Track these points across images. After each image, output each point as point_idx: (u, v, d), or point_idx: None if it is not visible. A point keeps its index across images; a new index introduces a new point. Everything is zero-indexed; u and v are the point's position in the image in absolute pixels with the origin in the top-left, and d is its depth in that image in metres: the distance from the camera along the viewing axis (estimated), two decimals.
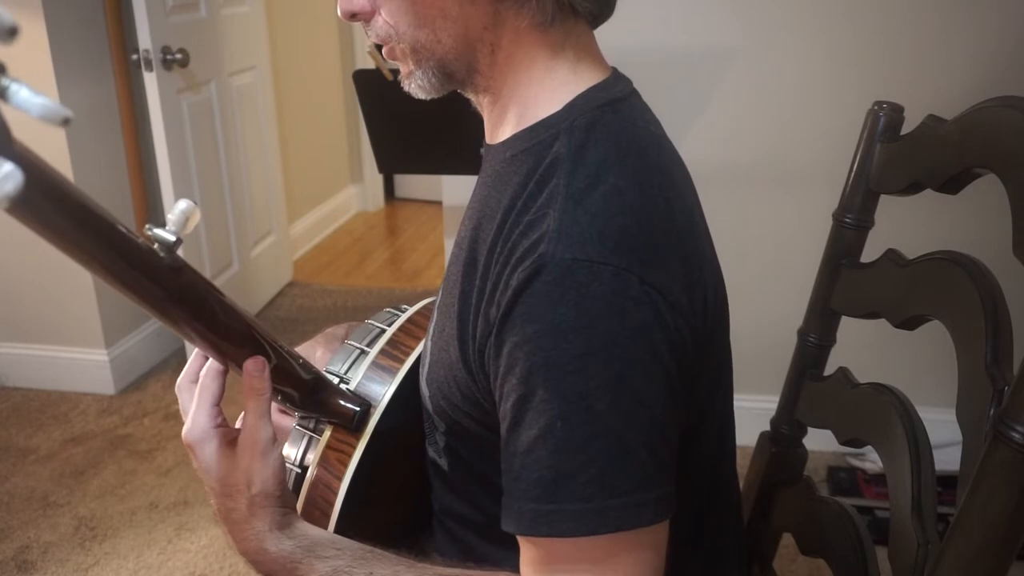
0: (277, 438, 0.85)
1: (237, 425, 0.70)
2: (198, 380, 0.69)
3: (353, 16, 0.67)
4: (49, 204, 0.46)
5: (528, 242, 0.59)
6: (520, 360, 0.58)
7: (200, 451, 0.67)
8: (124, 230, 0.52)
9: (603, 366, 0.56)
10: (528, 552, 0.61)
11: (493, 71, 0.67)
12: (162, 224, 0.55)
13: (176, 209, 0.56)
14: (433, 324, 0.75)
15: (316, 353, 0.87)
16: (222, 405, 0.69)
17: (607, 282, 0.56)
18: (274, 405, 0.84)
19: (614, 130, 0.65)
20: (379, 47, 0.70)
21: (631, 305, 0.56)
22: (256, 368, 0.66)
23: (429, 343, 0.75)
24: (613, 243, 0.57)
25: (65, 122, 0.39)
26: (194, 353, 0.70)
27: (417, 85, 0.69)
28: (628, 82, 0.71)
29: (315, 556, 0.64)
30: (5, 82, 0.38)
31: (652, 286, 0.57)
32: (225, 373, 0.68)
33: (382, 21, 0.66)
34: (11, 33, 0.36)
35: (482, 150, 0.75)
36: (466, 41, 0.65)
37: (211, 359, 0.67)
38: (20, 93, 0.38)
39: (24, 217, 0.45)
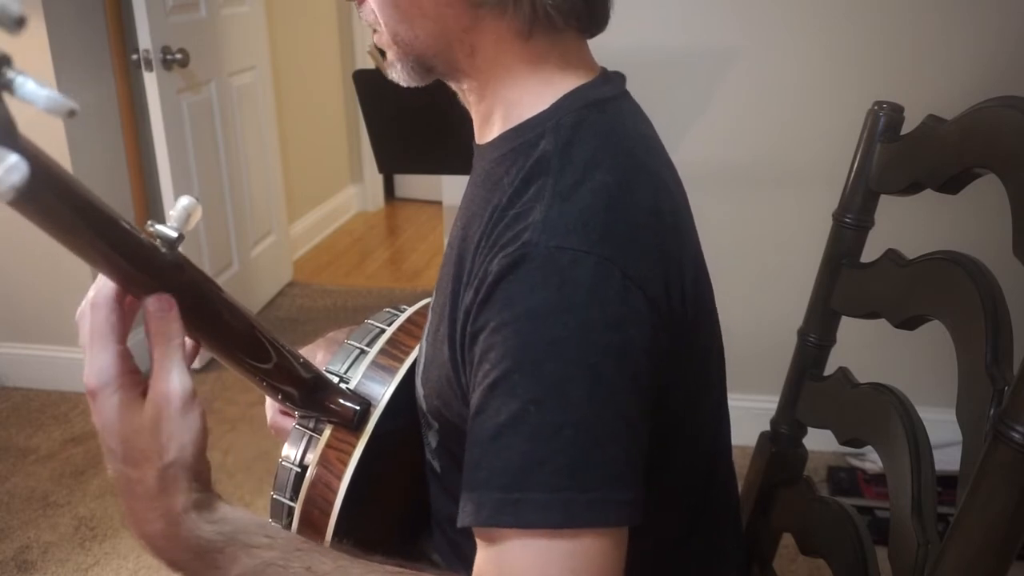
0: (273, 424, 0.84)
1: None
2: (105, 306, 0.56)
3: None
4: (52, 197, 0.46)
5: (511, 233, 0.59)
6: (496, 345, 0.57)
7: (102, 401, 0.55)
8: (127, 225, 0.52)
9: (581, 353, 0.55)
10: (487, 547, 0.57)
11: (474, 71, 0.68)
12: (163, 222, 0.55)
13: (178, 205, 0.56)
14: (428, 325, 0.75)
15: (317, 356, 0.86)
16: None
17: (590, 271, 0.56)
18: (274, 405, 0.85)
19: (601, 129, 0.65)
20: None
21: (612, 296, 0.56)
22: (160, 307, 0.55)
23: (424, 344, 0.75)
24: (598, 235, 0.57)
25: (71, 114, 0.39)
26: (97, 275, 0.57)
27: (397, 74, 0.70)
28: (618, 84, 0.71)
29: (240, 546, 0.56)
30: (11, 75, 0.38)
31: (633, 280, 0.57)
32: (123, 300, 0.57)
33: (368, 9, 0.68)
34: (19, 23, 0.36)
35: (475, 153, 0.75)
36: (444, 40, 0.66)
37: (103, 281, 0.56)
38: (26, 85, 0.38)
39: (27, 210, 0.45)
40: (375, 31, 0.69)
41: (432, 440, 0.76)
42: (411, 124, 2.05)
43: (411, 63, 0.68)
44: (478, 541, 0.58)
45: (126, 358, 0.56)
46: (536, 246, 0.57)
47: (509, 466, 0.55)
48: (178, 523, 0.55)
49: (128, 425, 0.55)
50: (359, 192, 4.34)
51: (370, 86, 2.03)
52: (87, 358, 0.56)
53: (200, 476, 0.57)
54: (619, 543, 0.57)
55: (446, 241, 0.80)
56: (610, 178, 0.61)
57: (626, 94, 0.71)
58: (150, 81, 2.30)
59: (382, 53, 0.72)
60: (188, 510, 0.55)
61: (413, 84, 0.70)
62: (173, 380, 0.55)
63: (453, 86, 0.72)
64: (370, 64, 2.85)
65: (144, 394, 0.56)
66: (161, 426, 0.55)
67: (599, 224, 0.58)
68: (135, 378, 0.57)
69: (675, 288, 0.62)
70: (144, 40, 2.25)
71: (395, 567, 0.59)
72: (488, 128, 0.71)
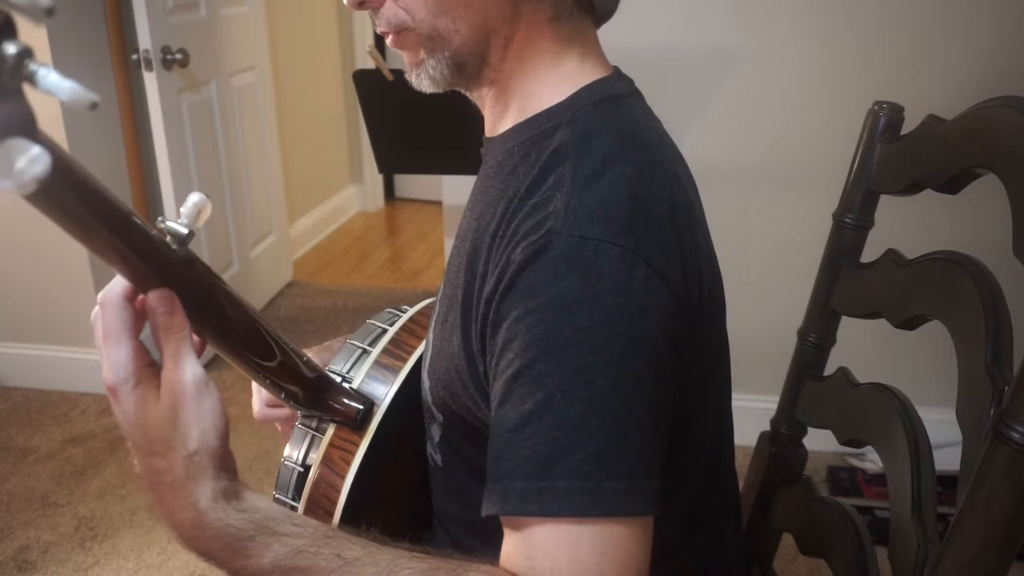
0: (260, 416, 0.83)
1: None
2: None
3: (361, 4, 0.66)
4: (69, 191, 0.46)
5: (533, 221, 0.60)
6: (520, 333, 0.57)
7: (123, 397, 0.56)
8: (139, 221, 0.52)
9: (606, 342, 0.56)
10: (513, 536, 0.58)
11: (503, 64, 0.68)
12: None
13: (188, 202, 0.56)
14: (435, 316, 0.75)
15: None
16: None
17: (614, 260, 0.56)
18: (261, 400, 0.84)
19: (617, 123, 0.66)
20: (379, 43, 0.69)
21: (636, 286, 0.57)
22: (162, 303, 0.55)
23: (431, 335, 0.75)
24: (620, 226, 0.58)
25: (93, 106, 0.39)
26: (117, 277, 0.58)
27: (427, 76, 0.68)
28: (630, 82, 0.72)
29: (270, 533, 0.56)
30: (33, 67, 0.38)
31: (655, 270, 0.58)
32: (134, 297, 0.57)
33: (395, 8, 0.65)
34: (47, 13, 0.36)
35: (482, 150, 0.75)
36: (483, 32, 0.65)
37: (114, 280, 0.57)
38: (49, 77, 0.38)
39: (44, 203, 0.45)
40: (396, 33, 0.67)
41: (435, 434, 0.76)
42: (411, 124, 2.05)
43: (446, 61, 0.66)
44: (506, 530, 0.58)
45: (141, 352, 0.57)
46: (559, 235, 0.57)
47: (535, 455, 0.55)
48: (208, 511, 0.55)
49: (149, 417, 0.56)
50: (359, 192, 4.33)
51: (370, 86, 2.03)
52: (103, 356, 0.56)
53: (225, 464, 0.57)
54: (646, 532, 0.57)
55: (447, 241, 0.80)
56: (628, 170, 0.61)
57: (638, 93, 0.72)
58: (150, 81, 2.29)
59: (395, 72, 0.71)
60: (218, 498, 0.56)
61: (438, 88, 0.69)
62: (184, 369, 0.56)
63: (473, 89, 0.71)
64: (370, 64, 2.85)
65: (159, 387, 0.56)
66: (180, 415, 0.55)
67: (621, 215, 0.58)
68: (152, 371, 0.57)
69: (693, 281, 0.62)
70: (144, 40, 2.25)
71: (421, 553, 0.59)
72: (502, 121, 0.71)
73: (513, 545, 0.58)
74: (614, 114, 0.66)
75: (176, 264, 0.55)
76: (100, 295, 0.57)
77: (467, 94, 0.73)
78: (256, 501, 0.58)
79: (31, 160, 0.38)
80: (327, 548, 0.57)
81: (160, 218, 0.55)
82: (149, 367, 0.57)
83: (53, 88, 0.38)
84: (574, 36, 0.68)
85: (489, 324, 0.61)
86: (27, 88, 0.40)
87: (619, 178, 0.60)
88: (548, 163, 0.63)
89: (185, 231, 0.55)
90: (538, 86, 0.68)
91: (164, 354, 0.56)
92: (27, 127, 0.39)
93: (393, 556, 0.58)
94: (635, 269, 0.57)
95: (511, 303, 0.58)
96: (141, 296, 0.57)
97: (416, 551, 0.59)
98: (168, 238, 0.55)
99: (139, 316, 0.58)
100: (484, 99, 0.72)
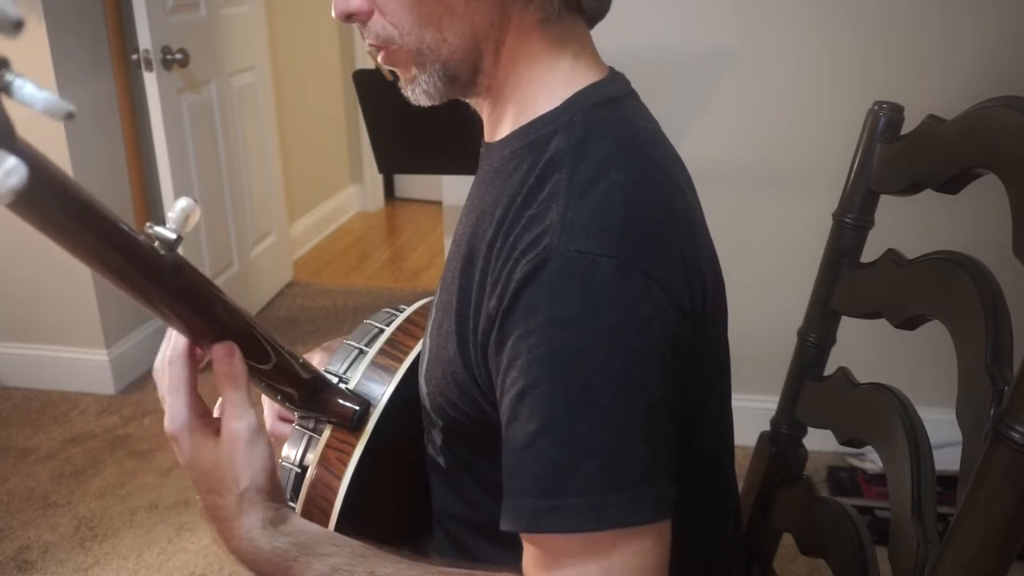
0: (271, 431, 0.85)
1: (216, 414, 0.66)
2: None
3: (349, 17, 0.65)
4: (51, 200, 0.46)
5: (531, 236, 0.59)
6: (523, 353, 0.57)
7: (183, 443, 0.63)
8: (126, 228, 0.52)
9: (607, 358, 0.56)
10: (530, 549, 0.60)
11: (496, 70, 0.67)
12: (162, 223, 0.55)
13: (176, 207, 0.56)
14: (431, 321, 0.75)
15: (313, 360, 0.86)
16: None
17: (611, 275, 0.56)
18: (271, 412, 0.85)
19: (613, 127, 0.65)
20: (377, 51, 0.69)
21: (635, 298, 0.57)
22: (226, 353, 0.62)
23: (427, 340, 0.75)
24: (616, 237, 0.57)
25: (69, 116, 0.39)
26: (168, 331, 0.65)
27: (421, 90, 0.68)
28: (626, 83, 0.71)
29: (311, 554, 0.62)
30: (9, 77, 0.38)
31: (655, 280, 0.58)
32: (194, 352, 0.64)
33: (383, 22, 0.65)
34: (16, 26, 0.36)
35: (482, 150, 0.75)
36: (472, 40, 0.65)
37: (175, 337, 0.64)
38: (24, 88, 0.38)
39: (26, 213, 0.45)
40: (385, 49, 0.67)
41: (436, 438, 0.76)
42: (411, 124, 2.05)
43: (438, 73, 0.66)
44: (524, 540, 0.61)
45: (197, 404, 0.64)
46: (556, 250, 0.57)
47: (542, 473, 0.57)
48: (258, 538, 0.62)
49: (205, 460, 0.63)
50: (359, 192, 4.34)
51: (370, 86, 2.03)
52: (165, 407, 0.64)
53: (273, 495, 0.64)
54: (657, 539, 0.58)
55: (446, 241, 0.81)
56: (623, 177, 0.61)
57: (634, 93, 0.71)
58: (150, 81, 2.30)
59: (394, 75, 0.71)
60: (266, 525, 0.62)
61: (434, 101, 0.69)
62: (241, 419, 0.62)
63: (471, 98, 0.71)
64: (370, 64, 2.85)
65: (217, 432, 0.63)
66: (235, 459, 0.62)
67: (617, 226, 0.58)
68: (207, 420, 0.64)
69: (696, 285, 0.62)
70: (144, 40, 2.25)
71: (448, 568, 0.63)
72: (499, 127, 0.71)
73: (529, 560, 0.60)
74: (610, 118, 0.66)
75: (165, 269, 0.55)
76: (167, 352, 0.63)
77: (466, 102, 0.73)
78: (301, 524, 0.64)
79: (7, 172, 0.38)
80: (361, 566, 0.61)
81: (148, 224, 0.55)
82: (203, 417, 0.64)
83: (29, 99, 0.38)
84: (565, 37, 0.67)
85: (492, 342, 0.61)
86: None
87: (614, 186, 0.60)
88: (544, 171, 0.63)
89: (173, 236, 0.55)
90: (533, 91, 0.67)
91: (224, 400, 0.63)
92: (4, 137, 0.39)
93: (422, 571, 0.62)
94: (632, 281, 0.57)
95: (514, 322, 0.58)
96: (196, 348, 0.64)
97: (441, 565, 0.63)
98: (156, 243, 0.55)
99: (196, 366, 0.64)
100: (482, 107, 0.72)
